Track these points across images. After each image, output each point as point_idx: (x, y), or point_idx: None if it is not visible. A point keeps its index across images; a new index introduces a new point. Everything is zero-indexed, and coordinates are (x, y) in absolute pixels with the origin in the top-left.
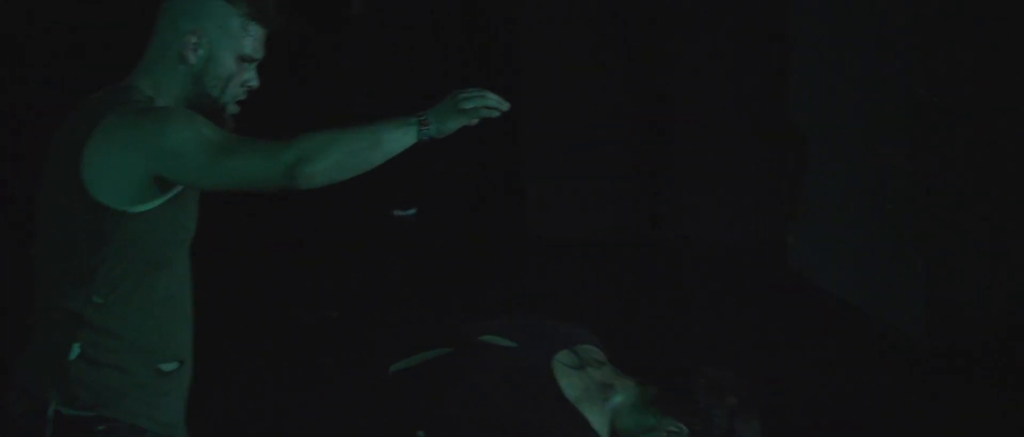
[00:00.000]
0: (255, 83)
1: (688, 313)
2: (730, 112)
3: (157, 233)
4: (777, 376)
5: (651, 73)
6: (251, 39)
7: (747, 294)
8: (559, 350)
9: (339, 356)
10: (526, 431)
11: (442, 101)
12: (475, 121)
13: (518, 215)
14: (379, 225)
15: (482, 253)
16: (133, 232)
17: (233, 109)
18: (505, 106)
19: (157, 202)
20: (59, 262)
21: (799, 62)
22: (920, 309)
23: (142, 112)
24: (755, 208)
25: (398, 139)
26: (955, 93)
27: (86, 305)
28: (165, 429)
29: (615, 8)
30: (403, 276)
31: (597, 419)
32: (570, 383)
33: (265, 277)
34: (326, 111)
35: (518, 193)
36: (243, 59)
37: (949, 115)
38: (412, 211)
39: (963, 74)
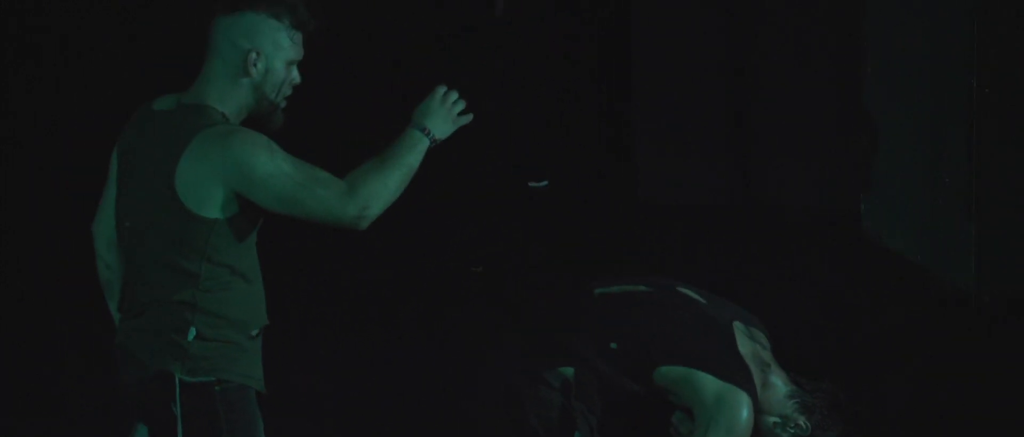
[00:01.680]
0: (299, 80)
1: (775, 269)
2: (813, 99)
3: (242, 230)
4: (848, 320)
5: (746, 65)
6: (296, 46)
7: (826, 252)
8: (738, 319)
9: (486, 305)
10: (701, 363)
11: (429, 105)
12: (467, 121)
13: (629, 182)
14: (512, 193)
15: (597, 217)
16: (225, 233)
17: (283, 104)
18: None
19: (239, 208)
20: (163, 262)
21: (871, 57)
22: (971, 266)
23: (227, 138)
24: (834, 180)
25: (419, 159)
26: (1005, 86)
27: (196, 295)
28: (258, 383)
29: (716, 7)
30: (535, 237)
31: (756, 379)
32: (743, 343)
33: (408, 236)
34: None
35: (629, 162)
36: (290, 63)
37: (999, 105)
38: (545, 183)
39: (1014, 70)
